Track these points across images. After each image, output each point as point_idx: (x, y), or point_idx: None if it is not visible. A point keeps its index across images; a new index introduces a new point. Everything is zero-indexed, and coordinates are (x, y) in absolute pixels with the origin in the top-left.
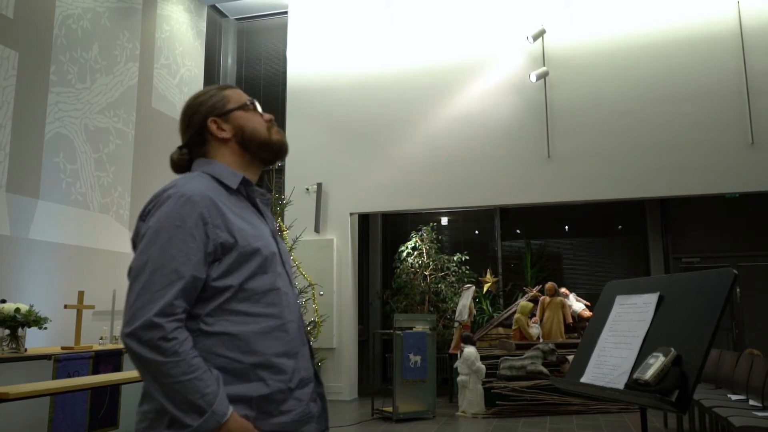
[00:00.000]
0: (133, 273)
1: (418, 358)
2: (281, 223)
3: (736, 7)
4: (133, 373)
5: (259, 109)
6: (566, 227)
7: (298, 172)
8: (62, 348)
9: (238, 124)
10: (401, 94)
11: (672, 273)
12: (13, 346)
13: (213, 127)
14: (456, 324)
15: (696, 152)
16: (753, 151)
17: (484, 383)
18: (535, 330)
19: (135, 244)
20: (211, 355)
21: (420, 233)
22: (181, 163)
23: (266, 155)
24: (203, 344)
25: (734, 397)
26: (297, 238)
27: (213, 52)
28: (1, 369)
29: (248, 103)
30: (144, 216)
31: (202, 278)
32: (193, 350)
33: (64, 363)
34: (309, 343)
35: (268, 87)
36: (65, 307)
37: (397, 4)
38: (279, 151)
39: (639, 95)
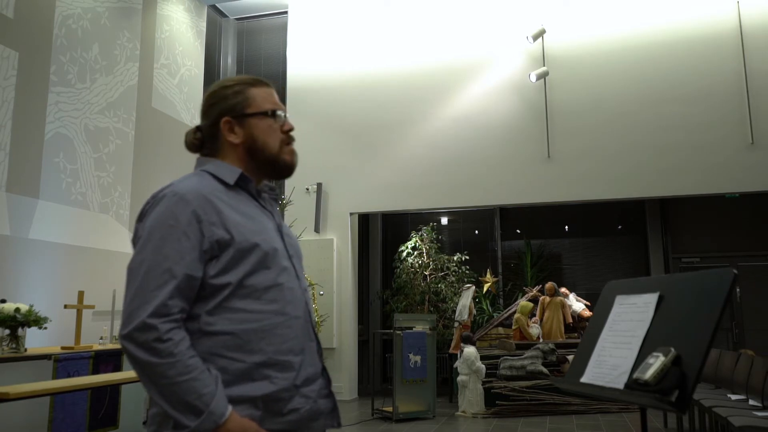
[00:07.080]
0: (129, 274)
1: (418, 358)
2: None
3: (736, 7)
4: (133, 373)
5: (282, 117)
6: (566, 227)
7: (298, 172)
8: (62, 348)
9: (250, 132)
10: (401, 94)
11: (672, 273)
12: (13, 346)
13: (225, 128)
14: (456, 324)
15: (696, 152)
16: (753, 151)
17: (484, 383)
18: (535, 330)
19: (134, 245)
20: (213, 356)
21: (420, 233)
22: (194, 144)
23: (269, 171)
24: (205, 345)
25: (734, 397)
26: (297, 238)
27: (213, 52)
28: (1, 369)
29: (269, 112)
30: (141, 217)
31: (198, 277)
32: (190, 350)
33: (64, 363)
34: (317, 339)
35: None
36: (65, 307)
37: (397, 4)
38: (283, 171)
39: (639, 95)
